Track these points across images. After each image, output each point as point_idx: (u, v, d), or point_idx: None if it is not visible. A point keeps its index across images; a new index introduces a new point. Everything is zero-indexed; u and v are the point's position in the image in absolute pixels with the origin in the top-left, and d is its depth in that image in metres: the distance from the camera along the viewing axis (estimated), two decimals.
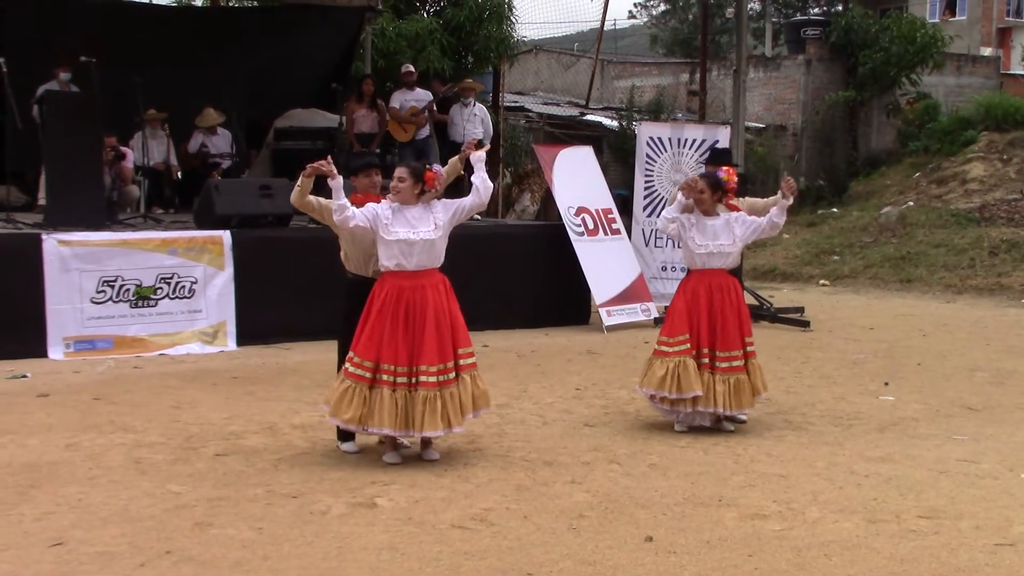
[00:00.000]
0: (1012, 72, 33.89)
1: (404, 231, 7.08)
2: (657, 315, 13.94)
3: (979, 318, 15.26)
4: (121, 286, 11.00)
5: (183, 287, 11.31)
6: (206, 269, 11.42)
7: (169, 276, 11.25)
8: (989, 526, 6.04)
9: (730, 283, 8.33)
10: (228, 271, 11.53)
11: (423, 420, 6.94)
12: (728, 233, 8.32)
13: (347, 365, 7.12)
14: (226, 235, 11.57)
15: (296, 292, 11.80)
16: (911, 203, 21.45)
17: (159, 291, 11.18)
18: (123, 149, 13.61)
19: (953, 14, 42.90)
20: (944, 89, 28.07)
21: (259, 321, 11.59)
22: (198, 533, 5.70)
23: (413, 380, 6.99)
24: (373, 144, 14.79)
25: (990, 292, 17.63)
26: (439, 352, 7.04)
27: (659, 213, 14.37)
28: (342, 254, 7.58)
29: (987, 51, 37.67)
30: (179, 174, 14.78)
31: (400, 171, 7.21)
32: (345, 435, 7.43)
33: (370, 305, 7.13)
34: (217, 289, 11.46)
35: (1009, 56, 39.23)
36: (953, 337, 13.09)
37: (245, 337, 11.53)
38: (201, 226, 11.80)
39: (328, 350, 11.30)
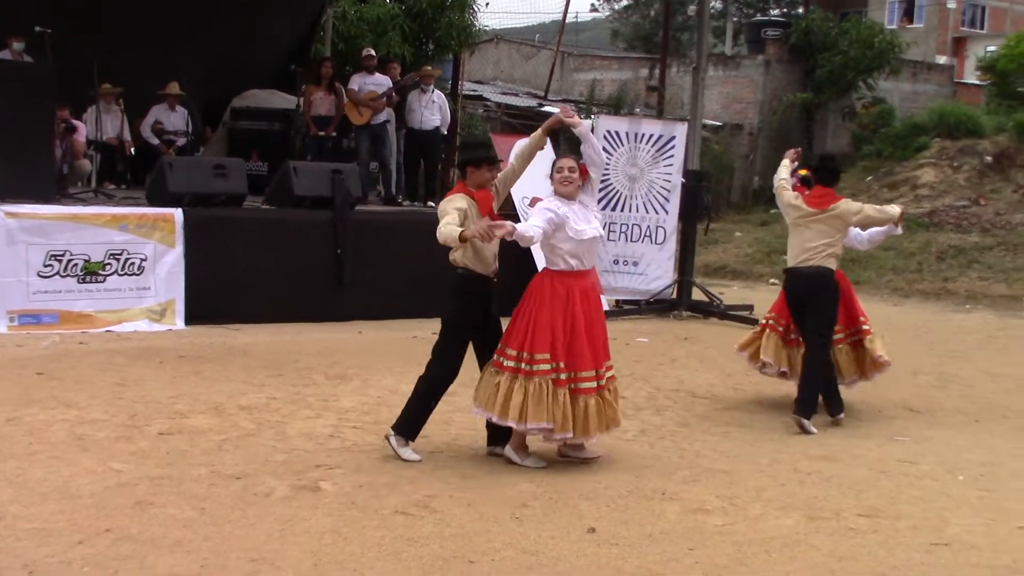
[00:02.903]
0: (965, 81, 34.27)
1: (589, 229, 6.81)
2: (608, 308, 13.99)
3: (924, 322, 15.44)
4: (69, 260, 10.88)
5: (132, 264, 11.21)
6: (156, 246, 11.32)
7: (118, 252, 11.13)
8: (926, 526, 6.12)
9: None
10: (179, 249, 11.44)
11: (587, 425, 6.74)
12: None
13: (523, 365, 6.68)
14: (178, 213, 11.46)
15: (247, 273, 11.73)
16: None
17: (108, 267, 11.07)
18: (75, 122, 13.45)
19: (910, 21, 43.31)
20: (899, 95, 28.38)
21: (208, 301, 11.50)
22: (139, 512, 5.66)
23: (573, 386, 6.76)
24: (330, 127, 14.71)
25: (936, 296, 17.85)
26: (593, 358, 6.82)
27: (614, 207, 14.51)
28: (459, 252, 6.86)
29: (942, 59, 38.11)
30: (132, 150, 14.65)
31: (569, 162, 6.92)
32: (497, 438, 7.05)
33: (539, 303, 6.76)
34: (167, 267, 11.36)
35: (963, 65, 39.65)
36: (898, 340, 13.21)
37: (194, 316, 11.43)
38: (153, 203, 11.69)
39: (277, 332, 11.32)
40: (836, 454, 7.66)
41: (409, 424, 7.02)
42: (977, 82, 31.42)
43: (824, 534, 5.91)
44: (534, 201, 14.00)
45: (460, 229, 6.45)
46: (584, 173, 6.93)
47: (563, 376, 6.71)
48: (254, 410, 8.02)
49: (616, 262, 14.51)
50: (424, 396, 7.04)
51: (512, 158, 7.13)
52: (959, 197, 21.35)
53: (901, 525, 6.12)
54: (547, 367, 6.67)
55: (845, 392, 8.98)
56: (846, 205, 8.60)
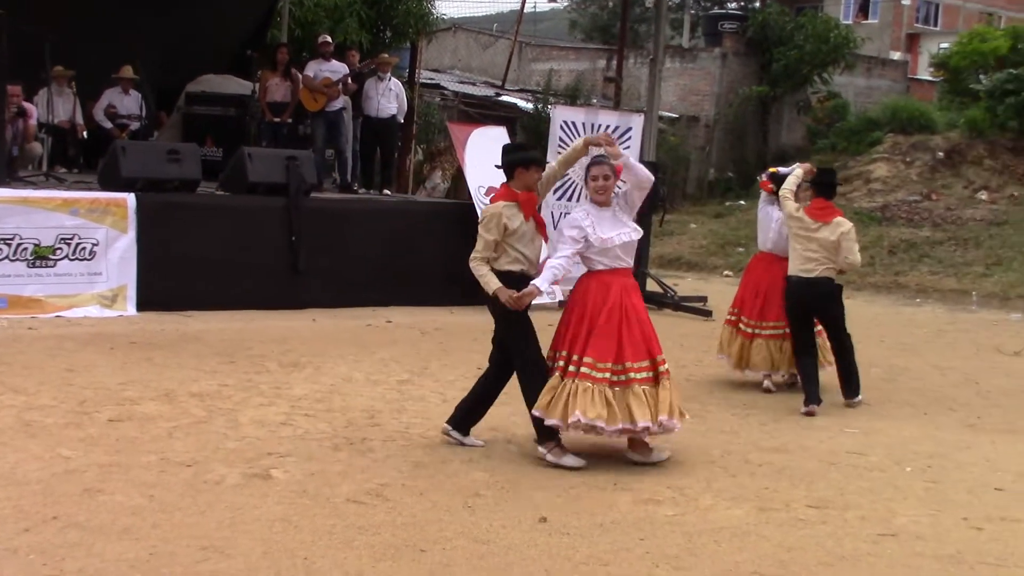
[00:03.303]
0: (919, 77, 34.60)
1: (617, 235, 6.88)
2: (562, 298, 14.00)
3: (875, 315, 15.59)
4: (19, 245, 10.74)
5: (84, 249, 11.09)
6: (108, 231, 11.20)
7: (69, 237, 11.01)
8: (874, 517, 6.18)
9: None
10: (131, 235, 11.33)
11: (647, 412, 6.76)
12: None
13: (586, 370, 6.73)
14: (130, 198, 11.35)
15: (200, 259, 11.64)
16: None
17: (58, 252, 10.95)
18: (26, 105, 13.28)
19: (865, 17, 43.68)
20: (854, 90, 28.61)
21: (161, 287, 11.41)
22: (87, 499, 5.61)
23: (623, 377, 6.81)
24: (286, 114, 14.63)
25: (887, 290, 18.03)
26: (647, 349, 6.89)
27: (569, 197, 14.53)
28: (510, 257, 6.93)
29: (896, 55, 38.46)
30: (85, 133, 14.49)
31: (604, 170, 6.92)
32: (551, 438, 6.93)
33: (582, 304, 6.92)
34: (119, 252, 11.25)
35: (917, 61, 40.05)
36: (850, 333, 13.33)
37: (146, 303, 11.34)
38: (105, 188, 11.57)
39: (230, 319, 11.25)
40: (787, 446, 7.73)
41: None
42: (930, 78, 31.73)
43: (774, 525, 5.95)
44: (490, 190, 14.01)
45: (496, 285, 6.84)
46: (619, 174, 6.99)
47: (609, 374, 6.74)
48: (205, 397, 7.97)
49: None
50: (535, 379, 6.95)
51: (554, 163, 7.19)
52: (911, 192, 21.56)
53: (849, 516, 6.18)
54: (593, 368, 6.74)
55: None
56: (842, 225, 9.05)
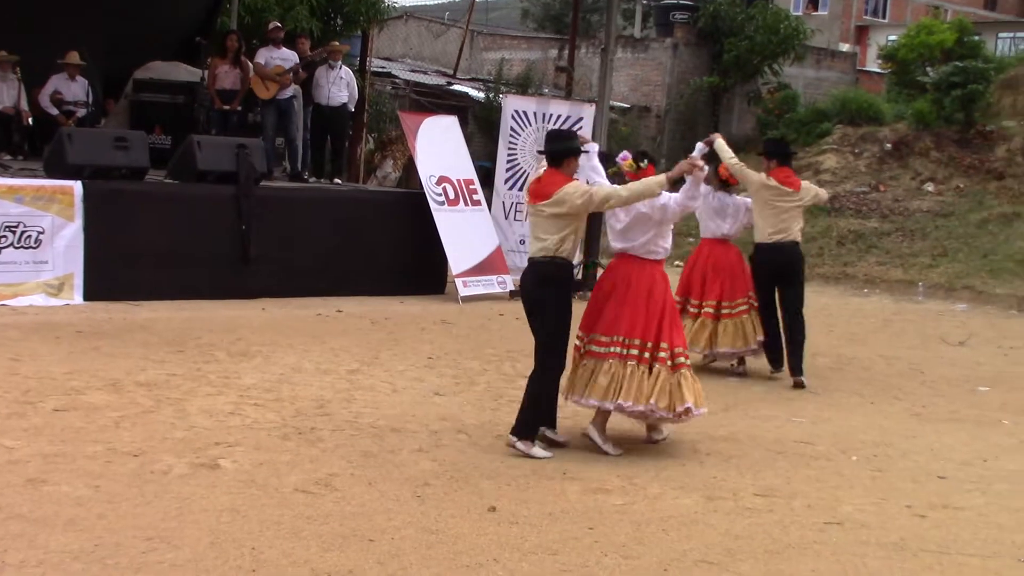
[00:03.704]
0: (867, 69, 34.90)
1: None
2: (513, 288, 14.02)
3: (824, 305, 15.71)
4: None
5: (29, 237, 10.94)
6: (54, 219, 11.06)
7: (14, 225, 10.86)
8: (820, 505, 6.25)
9: None
10: (78, 223, 11.19)
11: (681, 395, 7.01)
12: None
13: (662, 355, 6.97)
14: (77, 186, 11.22)
15: (148, 248, 11.53)
16: None
17: (3, 240, 10.79)
18: None
19: (815, 9, 44.04)
20: (803, 81, 28.78)
21: (108, 275, 11.28)
22: (30, 490, 5.54)
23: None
24: (235, 101, 14.50)
25: (836, 280, 18.20)
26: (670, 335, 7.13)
27: (521, 187, 14.54)
28: (561, 243, 6.86)
29: (845, 47, 38.77)
30: (30, 120, 14.28)
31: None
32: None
33: (625, 288, 7.06)
34: (65, 241, 11.11)
35: (865, 53, 40.41)
36: None
37: (93, 291, 11.21)
38: (51, 175, 11.41)
39: (178, 308, 11.16)
40: (736, 434, 7.79)
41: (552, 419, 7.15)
42: (879, 70, 32.00)
43: (721, 513, 6.00)
44: (441, 179, 14.00)
45: (665, 176, 6.96)
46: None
47: (647, 354, 6.97)
48: (153, 387, 7.90)
49: (523, 242, 14.54)
50: (549, 393, 7.02)
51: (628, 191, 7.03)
52: (860, 183, 21.74)
53: (796, 504, 6.24)
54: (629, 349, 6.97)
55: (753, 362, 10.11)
56: (810, 187, 9.92)
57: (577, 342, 7.17)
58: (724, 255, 10.02)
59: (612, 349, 6.98)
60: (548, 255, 6.85)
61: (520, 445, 6.84)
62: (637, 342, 6.95)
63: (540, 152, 7.40)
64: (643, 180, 6.97)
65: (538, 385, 6.91)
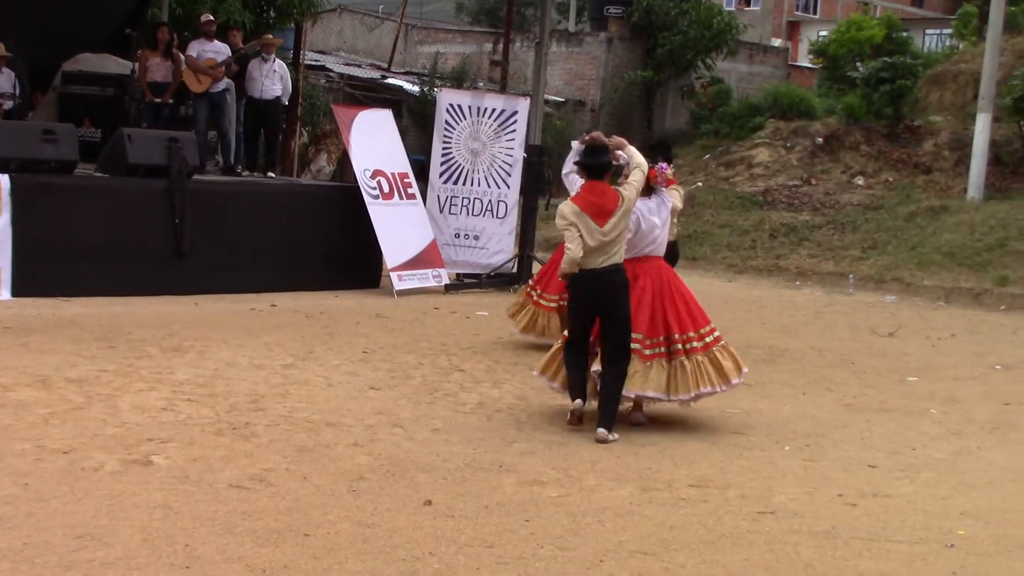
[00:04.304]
0: (799, 64, 35.30)
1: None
2: (448, 282, 14.01)
3: (757, 298, 15.89)
4: None
5: None
6: None
7: None
8: (753, 495, 6.32)
9: None
10: (5, 217, 11.01)
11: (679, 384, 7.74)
12: None
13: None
14: (4, 179, 11.04)
15: (79, 243, 11.37)
16: (700, 184, 22.14)
17: None
18: None
19: (748, 4, 44.45)
20: (736, 75, 29.06)
21: (37, 271, 11.11)
22: None
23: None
24: (167, 94, 14.33)
25: (768, 273, 18.38)
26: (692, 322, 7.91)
27: (455, 180, 14.54)
28: (581, 254, 7.36)
29: (777, 42, 39.23)
30: None
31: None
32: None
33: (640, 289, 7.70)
34: None
35: (797, 48, 40.91)
36: (732, 315, 13.57)
37: (21, 287, 11.03)
38: None
39: (109, 304, 11.02)
40: (669, 426, 7.85)
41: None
42: (810, 65, 32.40)
43: (656, 504, 6.05)
44: (376, 173, 13.94)
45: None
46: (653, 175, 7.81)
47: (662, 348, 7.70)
48: (84, 383, 7.79)
49: (457, 236, 14.54)
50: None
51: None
52: (792, 177, 21.98)
53: (730, 494, 6.30)
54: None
55: None
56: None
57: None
58: None
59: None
60: (617, 262, 7.48)
61: (613, 435, 7.32)
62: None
63: (577, 163, 7.76)
64: (639, 178, 7.54)
65: (619, 380, 7.48)
